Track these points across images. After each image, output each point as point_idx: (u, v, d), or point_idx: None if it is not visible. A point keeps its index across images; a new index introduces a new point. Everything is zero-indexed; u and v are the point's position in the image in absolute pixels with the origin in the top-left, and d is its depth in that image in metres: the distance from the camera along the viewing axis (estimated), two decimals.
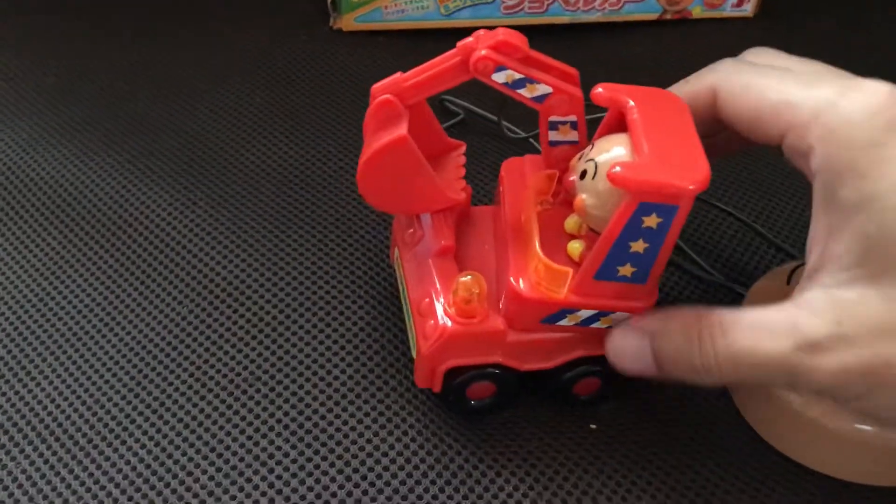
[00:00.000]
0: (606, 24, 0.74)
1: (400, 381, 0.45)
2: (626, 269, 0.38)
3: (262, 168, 0.57)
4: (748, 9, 0.76)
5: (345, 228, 0.53)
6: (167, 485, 0.40)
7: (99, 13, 0.74)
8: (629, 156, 0.37)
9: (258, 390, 0.44)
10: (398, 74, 0.40)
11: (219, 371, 0.45)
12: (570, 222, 0.41)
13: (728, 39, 0.74)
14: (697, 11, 0.75)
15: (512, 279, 0.39)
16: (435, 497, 0.41)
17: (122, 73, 0.66)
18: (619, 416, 0.44)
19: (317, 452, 0.42)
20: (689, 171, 0.35)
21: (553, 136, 0.42)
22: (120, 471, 0.41)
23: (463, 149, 0.45)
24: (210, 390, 0.44)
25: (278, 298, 0.49)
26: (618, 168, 0.35)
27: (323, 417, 0.43)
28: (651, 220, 0.36)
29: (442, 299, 0.40)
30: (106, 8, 0.74)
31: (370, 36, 0.71)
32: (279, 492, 0.40)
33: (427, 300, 0.41)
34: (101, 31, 0.71)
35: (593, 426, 0.44)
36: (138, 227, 0.53)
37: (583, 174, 0.38)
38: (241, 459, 0.41)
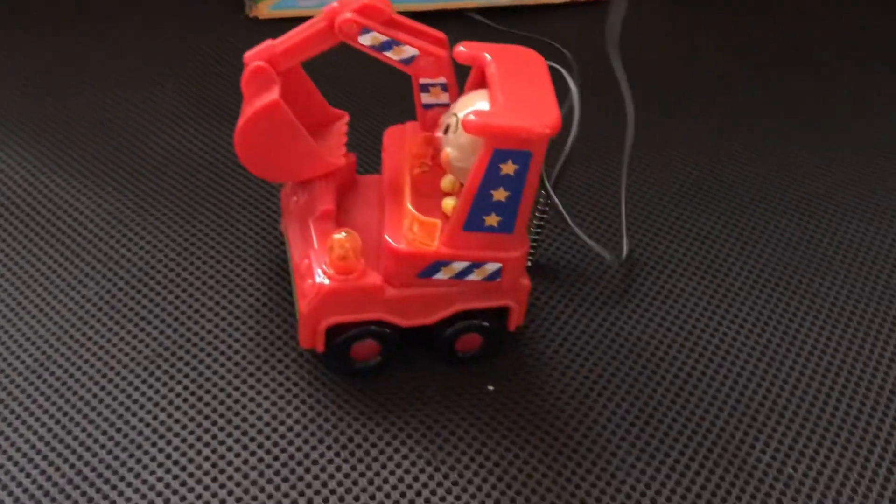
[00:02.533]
0: (518, 7, 0.75)
1: (300, 353, 0.46)
2: (492, 219, 0.39)
3: (172, 155, 0.58)
4: None
5: (250, 210, 0.54)
6: (65, 460, 0.41)
7: (17, 6, 0.74)
8: (488, 108, 0.38)
9: (159, 367, 0.45)
10: (269, 41, 0.41)
11: (121, 350, 0.46)
12: (446, 181, 0.42)
13: (648, 20, 0.76)
14: None
15: (386, 235, 0.40)
16: (330, 461, 0.41)
17: (40, 66, 0.67)
18: (515, 377, 0.45)
19: (214, 423, 0.43)
20: (540, 117, 0.36)
21: (426, 98, 0.43)
22: (19, 449, 0.41)
23: (346, 119, 0.46)
24: (112, 368, 0.45)
25: (181, 278, 0.50)
26: (471, 116, 0.36)
27: (222, 390, 0.44)
28: (508, 168, 0.37)
29: (320, 260, 0.41)
30: (24, 1, 0.75)
31: (286, 23, 0.72)
32: (176, 462, 0.41)
33: (306, 261, 0.41)
34: (20, 23, 0.72)
35: (491, 387, 0.45)
36: (46, 214, 0.54)
37: (446, 129, 0.39)
38: (140, 433, 0.42)
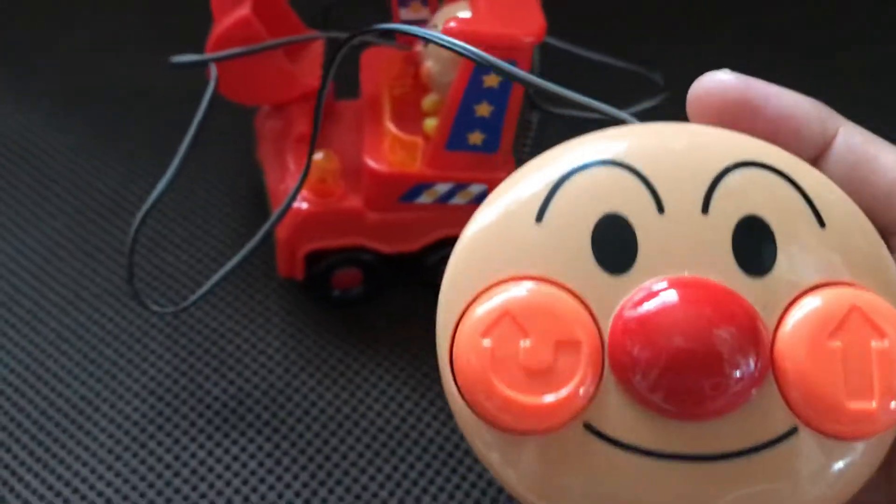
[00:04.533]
0: None
1: (280, 282, 0.45)
2: (476, 137, 0.37)
3: (138, 84, 0.56)
4: None
5: (225, 141, 0.52)
6: (38, 392, 0.40)
7: None
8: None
9: (133, 298, 0.44)
10: None
11: (93, 281, 0.44)
12: (427, 101, 0.40)
13: None
14: None
15: (366, 157, 0.39)
16: (312, 389, 0.40)
17: None
18: None
19: (192, 353, 0.42)
20: (524, 24, 0.35)
21: (405, 14, 0.41)
22: None
23: (322, 41, 0.44)
24: (84, 300, 0.44)
25: (155, 209, 0.48)
26: (452, 24, 0.34)
27: (199, 321, 0.43)
28: (491, 80, 0.35)
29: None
30: None
31: None
32: (152, 392, 0.40)
33: (283, 186, 0.40)
34: None
35: None
36: (11, 146, 0.52)
37: (426, 42, 0.38)
38: (115, 364, 0.41)
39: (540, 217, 0.18)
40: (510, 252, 0.18)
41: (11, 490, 0.37)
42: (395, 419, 0.40)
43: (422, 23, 0.41)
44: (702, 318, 0.17)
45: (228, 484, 0.37)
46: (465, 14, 0.37)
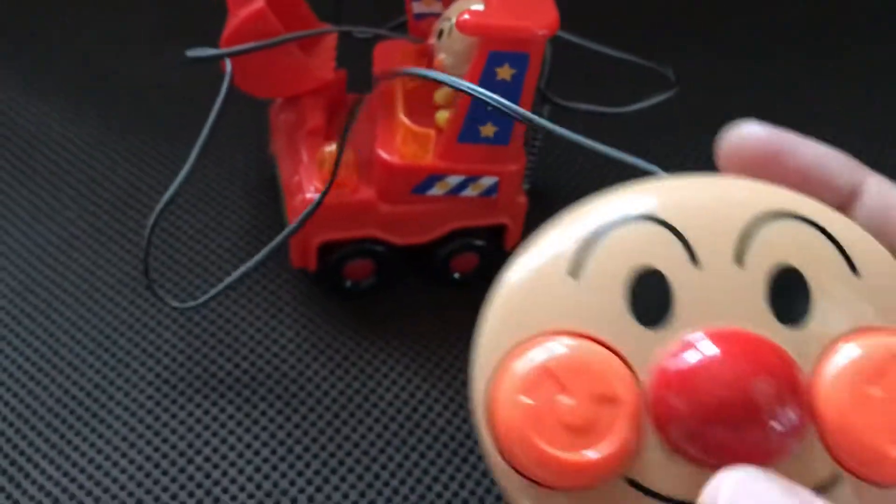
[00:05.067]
0: None
1: (292, 273, 0.45)
2: (488, 129, 0.37)
3: (152, 78, 0.56)
4: None
5: (239, 134, 0.52)
6: (53, 380, 0.40)
7: None
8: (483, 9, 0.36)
9: (147, 288, 0.44)
10: None
11: (107, 272, 0.45)
12: (439, 94, 0.41)
13: None
14: None
15: (378, 149, 0.39)
16: (325, 379, 0.41)
17: None
18: None
19: (205, 343, 0.42)
20: (538, 17, 0.35)
21: (417, 7, 0.41)
22: (5, 370, 0.40)
23: (335, 34, 0.45)
24: (98, 290, 0.44)
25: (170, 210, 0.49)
26: (465, 16, 0.35)
27: (213, 310, 0.43)
28: (504, 72, 0.36)
29: (311, 175, 0.40)
30: None
31: None
32: (166, 381, 0.40)
33: (296, 178, 0.40)
34: None
35: None
36: (27, 137, 0.52)
37: (440, 34, 0.38)
38: (129, 353, 0.41)
39: (575, 272, 0.18)
40: (546, 307, 0.18)
41: (27, 476, 0.37)
42: (407, 408, 0.40)
43: (434, 16, 0.41)
44: (741, 368, 0.17)
45: (241, 472, 0.37)
46: (479, 7, 0.37)
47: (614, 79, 0.47)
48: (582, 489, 0.18)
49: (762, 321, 0.18)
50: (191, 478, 0.37)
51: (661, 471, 0.18)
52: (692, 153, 0.53)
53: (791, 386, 0.17)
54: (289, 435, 0.39)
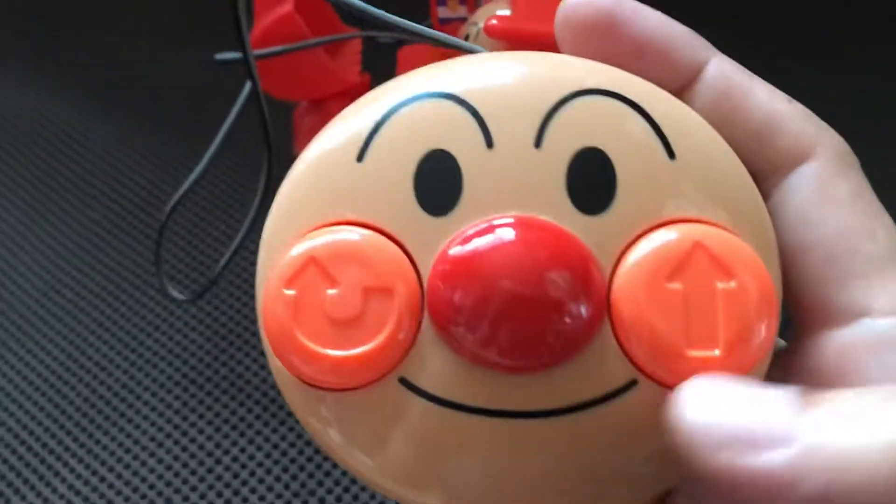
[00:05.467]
0: None
1: None
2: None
3: (174, 79, 0.57)
4: None
5: (259, 132, 0.53)
6: (80, 379, 0.41)
7: None
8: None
9: (172, 288, 0.45)
10: None
11: (132, 272, 0.45)
12: None
13: None
14: None
15: None
16: None
17: None
18: None
19: (231, 343, 0.42)
20: None
21: (442, 12, 0.41)
22: (34, 369, 0.41)
23: (360, 38, 0.45)
24: (124, 290, 0.44)
25: (190, 199, 0.49)
26: (493, 21, 0.35)
27: (238, 311, 0.44)
28: None
29: None
30: None
31: None
32: (193, 381, 0.41)
33: None
34: None
35: None
36: (51, 138, 0.53)
37: (466, 39, 0.38)
38: (156, 353, 0.42)
39: (361, 156, 0.17)
40: (328, 195, 0.17)
41: (57, 474, 0.38)
42: None
43: (459, 20, 0.41)
44: (529, 259, 0.16)
45: (269, 472, 0.38)
46: (505, 12, 0.37)
47: None
48: (352, 389, 0.16)
49: (559, 209, 0.16)
50: (219, 477, 0.38)
51: (440, 372, 0.16)
52: None
53: (584, 279, 0.16)
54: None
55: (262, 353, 0.42)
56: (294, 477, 0.38)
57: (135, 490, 0.37)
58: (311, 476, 0.38)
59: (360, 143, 0.17)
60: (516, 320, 0.15)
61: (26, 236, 0.47)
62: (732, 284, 0.16)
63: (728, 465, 0.14)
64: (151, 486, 0.37)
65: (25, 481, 0.37)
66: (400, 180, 0.16)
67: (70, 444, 0.38)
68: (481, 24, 0.37)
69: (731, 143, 0.17)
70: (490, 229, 0.16)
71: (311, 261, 0.16)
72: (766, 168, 0.17)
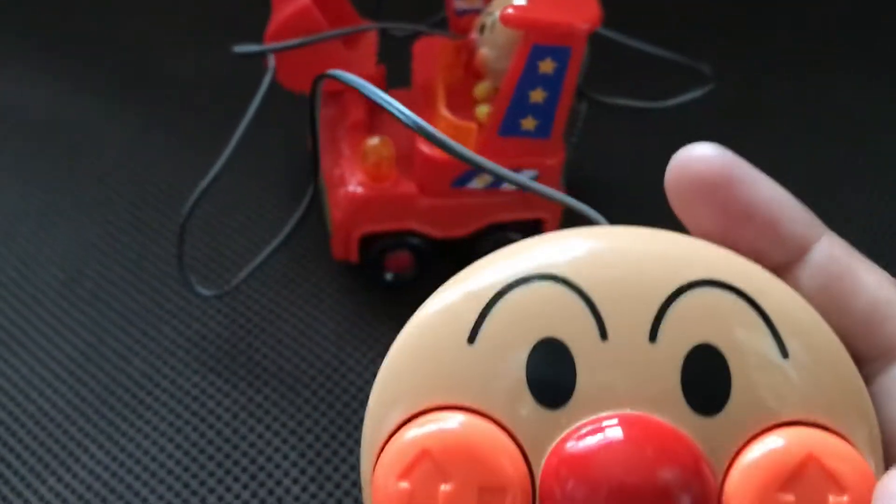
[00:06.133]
0: None
1: (333, 265, 0.46)
2: (529, 122, 0.38)
3: (194, 75, 0.57)
4: None
5: (277, 126, 0.53)
6: (101, 368, 0.41)
7: None
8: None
9: (183, 283, 0.45)
10: None
11: (154, 263, 0.46)
12: (479, 88, 0.41)
13: None
14: None
15: (420, 143, 0.40)
16: (367, 368, 0.42)
17: None
18: None
19: (249, 332, 0.43)
20: (580, 11, 0.36)
21: (459, 4, 0.42)
22: (54, 358, 0.42)
23: (376, 30, 0.45)
24: (144, 281, 0.45)
25: (210, 195, 0.49)
26: (509, 10, 0.35)
27: (256, 301, 0.44)
28: (546, 66, 0.36)
29: (353, 169, 0.41)
30: None
31: None
32: (211, 369, 0.41)
33: (338, 171, 0.41)
34: None
35: None
36: (73, 134, 0.53)
37: (482, 29, 0.39)
38: (174, 342, 0.42)
39: (472, 338, 0.16)
40: (438, 376, 0.16)
41: (77, 460, 0.38)
42: None
43: (475, 12, 0.42)
44: (642, 459, 0.15)
45: (286, 457, 0.38)
46: (521, 1, 0.38)
47: (652, 75, 0.48)
48: None
49: (673, 408, 0.16)
50: (236, 462, 0.38)
51: None
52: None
53: (698, 482, 0.16)
54: (332, 422, 0.39)
55: (279, 342, 0.42)
56: (311, 462, 0.38)
57: (153, 475, 0.37)
58: (327, 461, 0.38)
59: (471, 324, 0.16)
60: None
61: (49, 229, 0.48)
62: (845, 499, 0.16)
63: None
64: (170, 472, 0.38)
65: (46, 466, 0.38)
66: (513, 368, 0.16)
67: (90, 430, 0.39)
68: (498, 14, 0.38)
69: (836, 328, 0.17)
70: (603, 428, 0.16)
71: (425, 453, 0.16)
72: (871, 354, 0.17)
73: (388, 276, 0.43)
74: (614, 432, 0.16)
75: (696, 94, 0.44)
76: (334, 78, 0.22)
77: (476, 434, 0.16)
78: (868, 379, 0.17)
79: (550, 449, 0.16)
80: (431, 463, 0.16)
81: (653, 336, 0.16)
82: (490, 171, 0.20)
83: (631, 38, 0.44)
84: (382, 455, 0.16)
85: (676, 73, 0.44)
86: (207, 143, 0.52)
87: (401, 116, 0.21)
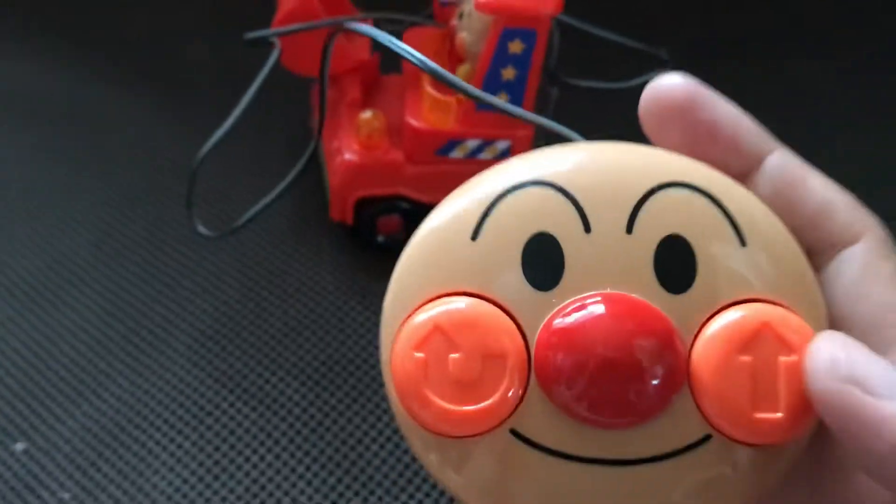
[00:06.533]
0: None
1: (332, 226, 0.51)
2: (502, 97, 0.44)
3: (204, 62, 0.64)
4: None
5: (282, 108, 0.58)
6: (126, 314, 0.47)
7: None
8: None
9: (204, 243, 0.51)
10: None
11: (172, 227, 0.52)
12: (460, 70, 0.47)
13: None
14: None
15: (407, 116, 0.45)
16: (367, 319, 0.47)
17: None
18: None
19: (257, 283, 0.49)
20: None
21: None
22: (87, 306, 0.47)
23: (370, 21, 0.51)
24: (164, 241, 0.51)
25: (222, 168, 0.55)
26: None
27: (265, 258, 0.50)
28: (516, 46, 0.42)
29: (349, 140, 0.46)
30: None
31: None
32: (224, 313, 0.47)
33: (336, 143, 0.47)
34: None
35: None
36: (92, 118, 0.59)
37: (461, 16, 0.44)
38: (192, 291, 0.48)
39: (475, 235, 0.19)
40: (446, 268, 0.19)
41: (107, 389, 0.44)
42: None
43: (456, 4, 0.47)
44: (622, 330, 0.18)
45: (290, 386, 0.44)
46: None
47: (616, 60, 0.54)
48: (470, 437, 0.19)
49: (648, 288, 0.19)
50: (246, 390, 0.44)
51: (544, 425, 0.19)
52: None
53: (669, 349, 0.18)
54: (330, 370, 0.45)
55: (284, 291, 0.48)
56: (312, 390, 0.44)
57: (173, 400, 0.43)
58: (332, 394, 0.44)
59: (474, 224, 0.19)
60: (609, 381, 0.18)
61: (78, 196, 0.53)
62: (794, 358, 0.18)
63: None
64: (188, 397, 0.43)
65: (80, 394, 0.43)
66: (510, 258, 0.19)
67: (117, 364, 0.45)
68: (472, 1, 0.43)
69: (789, 225, 0.20)
70: (588, 304, 0.19)
71: (437, 328, 0.19)
72: (819, 246, 0.20)
73: (380, 239, 0.49)
74: (597, 308, 0.18)
75: (654, 75, 0.50)
76: (352, 30, 0.26)
77: (480, 312, 0.19)
78: (817, 268, 0.20)
79: (543, 324, 0.19)
80: (442, 336, 0.19)
81: (629, 229, 0.19)
82: (482, 99, 0.25)
83: (597, 28, 0.50)
84: (401, 332, 0.19)
85: (636, 58, 0.50)
86: (216, 120, 0.58)
87: (412, 59, 0.25)
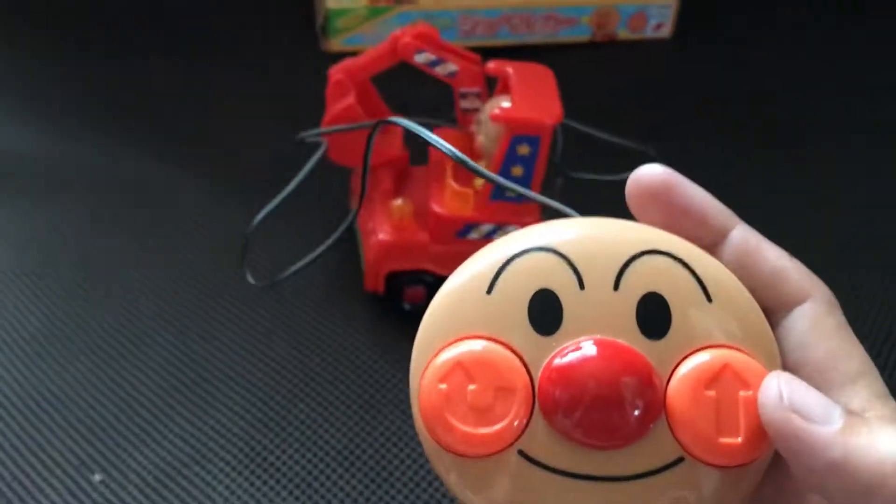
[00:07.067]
0: (546, 46, 0.90)
1: (365, 296, 0.59)
2: (512, 191, 0.52)
3: (262, 149, 0.72)
4: (666, 32, 0.91)
5: (325, 192, 0.66)
6: (182, 382, 0.55)
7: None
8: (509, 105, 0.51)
9: (249, 295, 0.59)
10: (348, 59, 0.55)
11: (221, 280, 0.60)
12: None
13: (649, 58, 0.90)
14: (623, 34, 0.91)
15: (432, 203, 0.54)
16: (394, 376, 0.55)
17: (142, 87, 0.82)
18: None
19: (301, 343, 0.56)
20: (547, 111, 0.50)
21: (464, 104, 0.56)
22: (144, 373, 0.55)
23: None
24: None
25: (269, 238, 0.63)
26: (497, 110, 0.49)
27: (309, 324, 0.58)
28: (523, 149, 0.50)
29: (382, 222, 0.55)
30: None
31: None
32: (276, 371, 0.54)
33: (371, 224, 0.55)
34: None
35: None
36: (161, 198, 0.68)
37: (478, 123, 0.53)
38: (245, 358, 0.56)
39: (490, 290, 0.23)
40: (466, 316, 0.23)
41: (171, 431, 0.51)
42: None
43: (475, 110, 0.56)
44: (610, 370, 0.22)
45: (329, 433, 0.51)
46: (506, 104, 0.52)
47: (611, 155, 0.62)
48: (484, 457, 0.23)
49: (631, 335, 0.23)
50: (294, 438, 0.51)
51: (544, 446, 0.22)
52: None
53: (649, 385, 0.22)
54: (366, 400, 0.52)
55: (323, 350, 0.55)
56: (356, 434, 0.51)
57: (228, 440, 0.51)
58: (369, 434, 0.51)
59: (489, 281, 0.23)
60: (599, 411, 0.22)
61: (145, 264, 0.62)
62: (750, 393, 0.22)
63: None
64: (241, 439, 0.51)
65: (149, 434, 0.51)
66: (518, 309, 0.23)
67: (181, 409, 0.52)
68: (488, 112, 0.52)
69: (749, 286, 0.24)
70: (583, 347, 0.22)
71: (458, 364, 0.22)
72: (775, 306, 0.24)
73: (406, 306, 0.56)
74: (590, 351, 0.22)
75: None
76: (393, 123, 0.30)
77: (494, 352, 0.23)
78: (775, 324, 0.24)
79: (545, 363, 0.23)
80: (462, 371, 0.22)
81: (616, 286, 0.23)
82: (500, 184, 0.29)
83: (596, 130, 0.59)
84: (427, 369, 0.23)
85: (628, 154, 0.58)
86: (267, 198, 0.66)
87: (444, 149, 0.29)
